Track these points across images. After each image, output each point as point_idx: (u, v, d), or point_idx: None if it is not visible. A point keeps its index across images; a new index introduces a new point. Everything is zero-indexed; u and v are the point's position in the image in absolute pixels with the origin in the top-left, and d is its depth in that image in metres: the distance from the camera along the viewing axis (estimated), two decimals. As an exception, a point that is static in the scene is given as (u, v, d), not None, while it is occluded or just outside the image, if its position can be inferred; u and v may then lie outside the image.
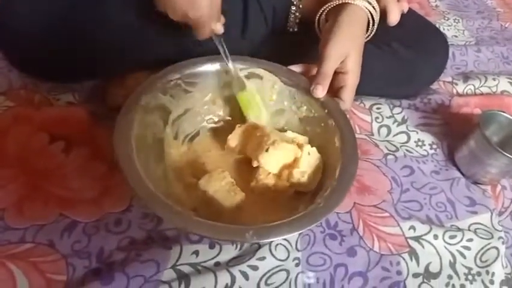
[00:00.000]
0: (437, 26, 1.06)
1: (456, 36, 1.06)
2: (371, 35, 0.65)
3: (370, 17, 0.62)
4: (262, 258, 0.54)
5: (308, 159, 0.56)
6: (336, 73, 0.59)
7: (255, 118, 0.61)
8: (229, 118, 0.66)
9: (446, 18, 1.12)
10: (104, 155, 0.61)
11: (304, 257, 0.56)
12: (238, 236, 0.44)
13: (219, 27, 0.58)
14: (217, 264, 0.53)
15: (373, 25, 0.63)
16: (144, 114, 0.53)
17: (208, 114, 0.65)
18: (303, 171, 0.56)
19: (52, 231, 0.53)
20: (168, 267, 0.51)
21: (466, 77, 0.91)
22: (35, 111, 0.63)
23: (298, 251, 0.56)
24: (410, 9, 0.77)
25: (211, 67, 0.61)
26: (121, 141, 0.48)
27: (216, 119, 0.65)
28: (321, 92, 0.58)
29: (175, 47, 0.66)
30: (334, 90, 0.61)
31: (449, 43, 0.99)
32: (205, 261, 0.53)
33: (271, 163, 0.55)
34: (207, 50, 0.60)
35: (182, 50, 0.63)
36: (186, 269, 0.52)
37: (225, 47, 0.59)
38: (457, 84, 0.89)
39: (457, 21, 1.12)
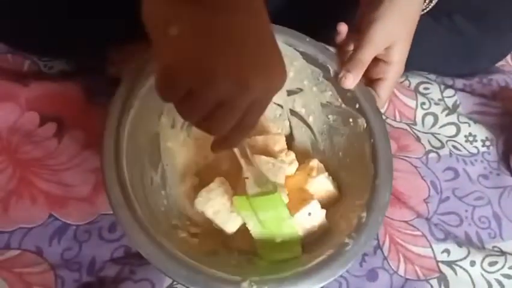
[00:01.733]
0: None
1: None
2: (427, 9, 0.50)
3: None
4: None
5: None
6: (377, 59, 0.47)
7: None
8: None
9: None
10: (99, 143, 0.54)
11: (318, 279, 0.50)
12: None
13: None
14: (219, 284, 0.48)
15: (430, 1, 0.49)
16: (134, 111, 0.43)
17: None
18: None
19: (40, 236, 0.48)
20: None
21: (541, 49, 0.75)
22: (23, 87, 0.55)
23: (312, 272, 0.50)
24: None
25: None
26: (108, 160, 0.40)
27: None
28: (351, 82, 0.47)
29: None
30: (369, 80, 0.49)
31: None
32: (205, 280, 0.48)
33: None
34: None
35: None
36: (184, 289, 0.47)
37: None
38: (528, 58, 0.73)
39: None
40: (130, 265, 0.47)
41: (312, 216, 0.45)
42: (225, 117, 0.30)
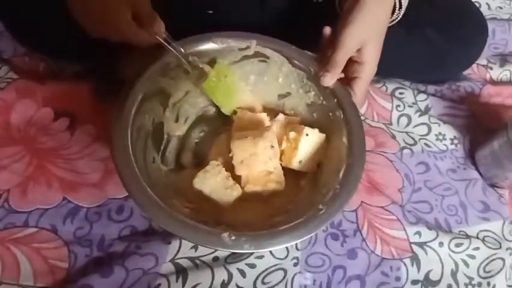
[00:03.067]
0: (482, -6, 0.96)
1: (501, 8, 0.95)
2: (397, 20, 0.58)
3: (397, 0, 0.55)
4: (261, 257, 0.54)
5: (307, 145, 0.54)
6: (352, 61, 0.54)
7: (228, 104, 0.59)
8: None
9: (493, -15, 1.00)
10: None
11: (304, 256, 0.56)
12: (234, 247, 0.43)
13: (156, 29, 0.49)
14: (216, 259, 0.54)
15: (399, 9, 0.56)
16: (142, 100, 0.50)
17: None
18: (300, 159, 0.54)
19: (55, 216, 0.54)
20: (167, 260, 0.52)
21: (504, 60, 0.83)
22: (39, 86, 0.61)
23: (298, 250, 0.56)
24: None
25: (214, 46, 0.56)
26: (117, 134, 0.47)
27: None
28: (329, 80, 0.54)
29: (186, 17, 0.61)
30: (347, 79, 0.56)
31: (491, 16, 0.91)
32: (203, 256, 0.53)
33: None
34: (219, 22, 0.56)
35: (192, 21, 0.58)
36: (184, 262, 0.53)
37: (171, 41, 0.51)
38: (491, 68, 0.81)
39: (505, -12, 1.00)
40: (136, 242, 0.53)
41: (309, 138, 0.54)
42: None
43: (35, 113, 0.60)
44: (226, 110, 0.60)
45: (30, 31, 0.60)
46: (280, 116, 0.59)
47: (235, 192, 0.51)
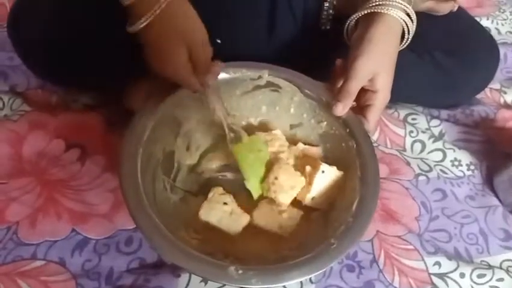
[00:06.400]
0: (491, 20, 0.96)
1: (511, 33, 0.95)
2: (406, 44, 0.58)
3: (405, 26, 0.55)
4: (274, 290, 0.52)
5: (322, 182, 0.53)
6: (364, 90, 0.54)
7: (254, 178, 0.53)
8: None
9: (502, 11, 1.00)
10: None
11: (319, 289, 0.54)
12: (241, 281, 0.41)
13: (207, 79, 0.50)
14: (226, 293, 0.52)
15: (408, 33, 0.56)
16: (153, 128, 0.50)
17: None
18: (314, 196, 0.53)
19: (64, 248, 0.53)
20: (176, 294, 0.51)
21: (517, 84, 0.82)
22: (51, 118, 0.62)
23: (312, 283, 0.54)
24: (458, 8, 0.69)
25: (226, 76, 0.56)
26: (126, 163, 0.46)
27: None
28: (341, 110, 0.54)
29: None
30: (360, 107, 0.55)
31: (502, 41, 0.90)
32: (214, 290, 0.52)
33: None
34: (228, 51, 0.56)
35: None
36: (194, 297, 0.51)
37: (222, 102, 0.52)
38: (505, 92, 0.80)
39: (514, 14, 1.00)
40: (145, 274, 0.51)
41: (325, 175, 0.52)
42: None
43: (47, 145, 0.60)
44: (251, 186, 0.53)
45: (45, 62, 0.62)
46: (300, 145, 0.58)
47: (244, 219, 0.50)
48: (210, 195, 0.51)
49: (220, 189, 0.51)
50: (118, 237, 0.55)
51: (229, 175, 0.56)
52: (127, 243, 0.54)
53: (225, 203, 0.50)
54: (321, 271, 0.43)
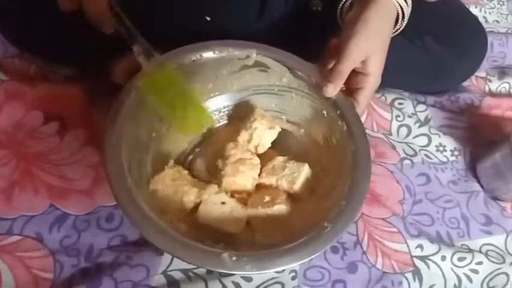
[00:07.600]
0: (478, 8, 0.96)
1: (498, 22, 0.95)
2: (400, 29, 0.57)
3: (400, 11, 0.54)
4: (257, 269, 0.52)
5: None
6: (355, 72, 0.53)
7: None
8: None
9: (489, -1, 1.01)
10: (100, 140, 0.57)
11: (302, 270, 0.53)
12: (235, 268, 0.40)
13: None
14: (210, 272, 0.51)
15: (402, 19, 0.55)
16: (136, 112, 0.48)
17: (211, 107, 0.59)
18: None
19: (41, 224, 0.51)
20: (158, 272, 0.49)
21: (502, 72, 0.83)
22: (29, 88, 0.59)
23: (296, 263, 0.54)
24: None
25: (211, 54, 0.54)
26: (110, 143, 0.44)
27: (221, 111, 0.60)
28: (331, 91, 0.52)
29: (183, 23, 0.60)
30: (350, 90, 0.55)
31: (489, 30, 0.90)
32: (197, 268, 0.51)
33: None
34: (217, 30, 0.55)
35: (190, 28, 0.57)
36: (177, 275, 0.50)
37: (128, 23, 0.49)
38: (490, 80, 0.81)
39: (501, 3, 1.00)
40: (127, 252, 0.50)
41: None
42: None
43: (24, 116, 0.57)
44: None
45: (23, 31, 0.59)
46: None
47: (244, 214, 0.48)
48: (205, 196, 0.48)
49: (214, 188, 0.49)
50: (99, 213, 0.53)
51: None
52: (108, 220, 0.53)
53: (223, 203, 0.48)
54: (316, 255, 0.42)
